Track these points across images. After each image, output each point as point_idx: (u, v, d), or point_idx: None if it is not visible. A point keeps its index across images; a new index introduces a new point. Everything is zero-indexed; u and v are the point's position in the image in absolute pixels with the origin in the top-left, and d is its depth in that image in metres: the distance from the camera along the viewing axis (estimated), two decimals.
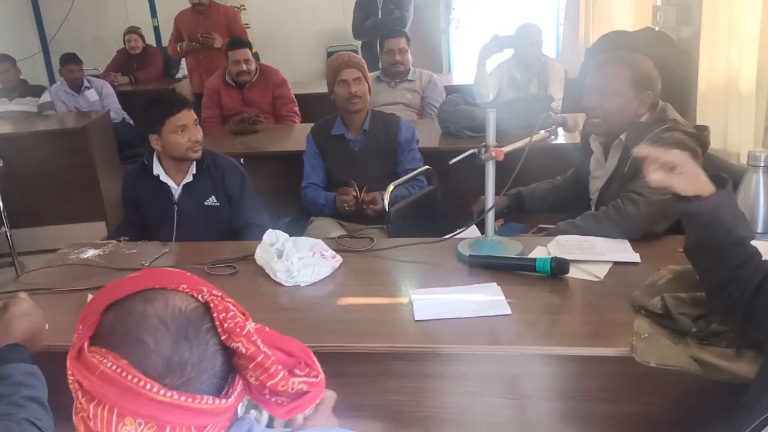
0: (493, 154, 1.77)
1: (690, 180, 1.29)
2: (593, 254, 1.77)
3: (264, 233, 1.95)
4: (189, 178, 2.41)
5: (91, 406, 0.74)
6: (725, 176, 1.31)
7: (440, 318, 1.54)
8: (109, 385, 0.72)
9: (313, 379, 0.82)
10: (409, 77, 3.90)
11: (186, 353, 0.75)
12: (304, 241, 1.92)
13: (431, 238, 2.01)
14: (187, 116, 2.30)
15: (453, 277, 1.77)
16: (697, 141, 1.89)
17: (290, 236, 1.94)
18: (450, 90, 3.98)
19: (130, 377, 0.72)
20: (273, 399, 0.81)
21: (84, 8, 6.78)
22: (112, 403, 0.73)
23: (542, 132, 1.95)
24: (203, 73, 4.81)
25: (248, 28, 6.21)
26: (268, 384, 0.79)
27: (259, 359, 0.78)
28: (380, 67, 4.02)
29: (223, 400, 0.77)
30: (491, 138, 1.81)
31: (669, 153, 1.31)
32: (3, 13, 6.38)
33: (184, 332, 0.76)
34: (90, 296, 1.71)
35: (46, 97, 5.17)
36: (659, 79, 1.99)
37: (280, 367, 0.79)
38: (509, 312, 1.54)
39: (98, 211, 4.24)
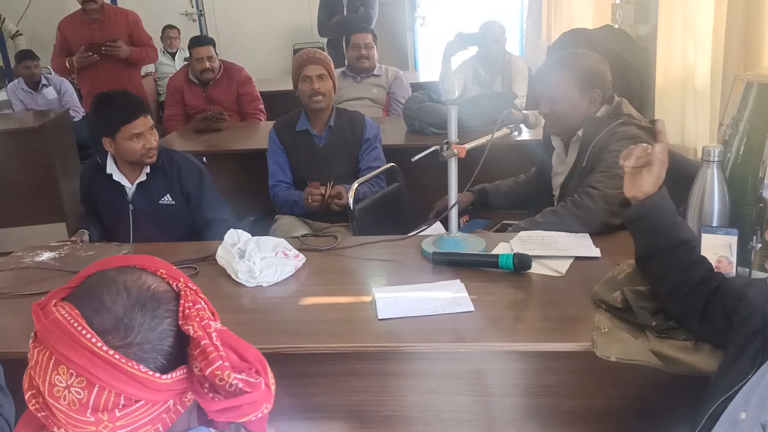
0: (456, 150, 1.77)
1: (647, 183, 1.38)
2: (555, 250, 1.78)
3: (227, 228, 1.92)
4: (143, 177, 2.37)
5: (36, 351, 0.75)
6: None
7: (403, 316, 1.53)
8: (56, 329, 0.73)
9: (252, 379, 0.79)
10: (375, 72, 3.89)
11: (137, 319, 0.76)
12: (267, 241, 1.89)
13: (395, 236, 2.00)
14: (143, 123, 2.26)
15: (417, 274, 1.76)
16: (651, 135, 1.92)
17: (254, 236, 1.91)
18: (415, 87, 3.99)
19: (75, 324, 0.73)
20: (210, 395, 0.78)
21: (43, 4, 6.61)
22: (53, 348, 0.73)
23: (504, 129, 1.95)
24: None
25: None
26: (207, 372, 0.77)
27: (202, 344, 0.77)
28: (346, 63, 4.00)
29: (158, 374, 0.76)
30: (453, 135, 1.81)
31: (662, 148, 1.39)
32: None
33: (143, 303, 0.77)
34: None
35: (2, 96, 5.03)
36: (607, 72, 2.02)
37: (219, 356, 0.77)
38: (472, 309, 1.54)
39: (57, 212, 4.16)
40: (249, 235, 1.91)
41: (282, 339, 1.48)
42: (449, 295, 1.60)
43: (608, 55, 2.14)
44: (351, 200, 2.42)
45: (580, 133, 2.01)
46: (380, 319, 1.54)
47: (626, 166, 1.41)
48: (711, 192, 1.53)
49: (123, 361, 0.73)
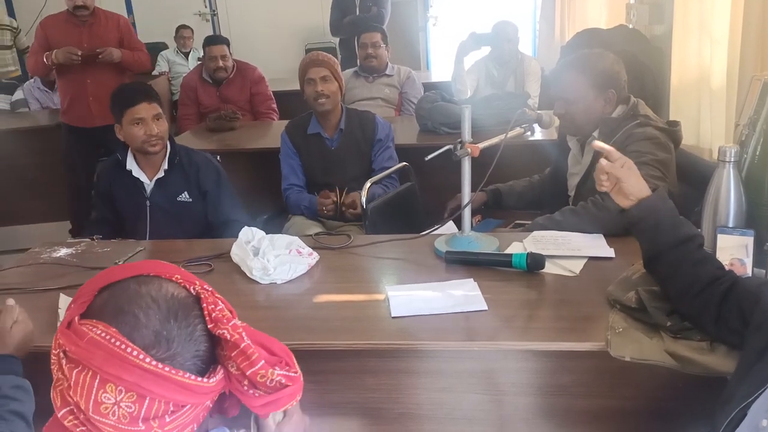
0: (469, 150, 1.77)
1: (632, 189, 1.40)
2: (569, 249, 1.78)
3: (241, 229, 1.93)
4: (161, 174, 2.39)
5: (74, 373, 0.75)
6: (656, 183, 1.44)
7: (417, 314, 1.53)
8: (96, 350, 0.74)
9: (293, 374, 0.84)
10: (387, 72, 3.89)
11: (174, 330, 0.78)
12: (281, 239, 1.90)
13: (408, 235, 2.00)
14: (146, 109, 2.28)
15: (430, 273, 1.77)
16: (668, 136, 1.91)
17: (267, 234, 1.92)
18: (428, 87, 3.99)
19: (118, 343, 0.74)
20: (251, 391, 0.82)
21: (58, 5, 6.65)
22: (96, 368, 0.74)
23: (518, 128, 1.95)
24: (92, 102, 3.73)
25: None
26: (248, 372, 0.81)
27: (242, 346, 0.80)
28: (358, 63, 4.01)
29: (205, 379, 0.79)
30: (467, 134, 1.81)
31: (613, 164, 1.41)
32: None
33: (174, 313, 0.79)
34: (62, 296, 1.68)
35: (19, 95, 5.08)
36: (622, 72, 2.01)
37: (261, 356, 0.81)
38: (485, 308, 1.54)
39: None
40: (263, 232, 1.92)
41: (296, 336, 1.49)
42: (462, 294, 1.61)
43: (622, 55, 2.13)
44: (364, 199, 2.43)
45: (596, 134, 2.00)
46: (393, 317, 1.54)
47: (603, 188, 1.44)
48: (727, 193, 1.53)
49: (173, 372, 0.75)
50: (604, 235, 1.85)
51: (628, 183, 1.40)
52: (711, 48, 2.36)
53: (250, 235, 1.91)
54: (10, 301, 1.39)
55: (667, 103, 2.80)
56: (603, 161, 1.41)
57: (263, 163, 3.23)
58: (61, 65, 3.68)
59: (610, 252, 1.77)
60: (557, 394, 1.53)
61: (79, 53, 3.61)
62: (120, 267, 0.84)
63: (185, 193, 2.41)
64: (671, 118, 2.42)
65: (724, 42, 2.31)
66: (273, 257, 1.81)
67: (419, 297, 1.61)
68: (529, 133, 2.74)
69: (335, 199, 2.61)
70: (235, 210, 2.45)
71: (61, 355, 0.77)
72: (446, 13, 6.74)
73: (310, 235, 2.09)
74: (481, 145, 1.79)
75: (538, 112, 2.03)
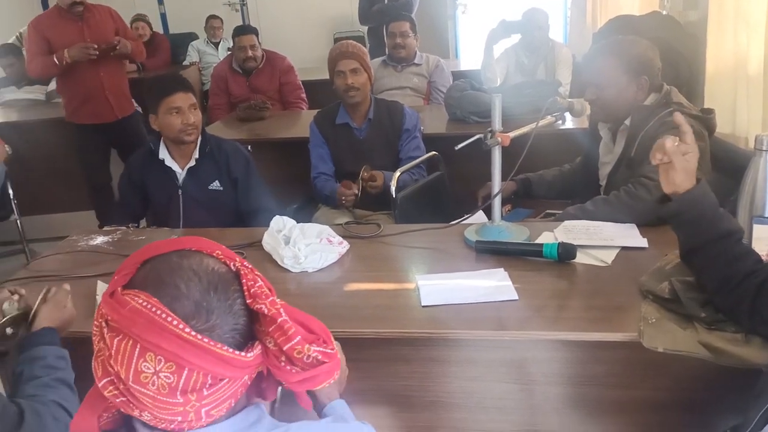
0: (499, 139, 1.76)
1: (679, 180, 1.36)
2: (600, 239, 1.77)
3: (272, 218, 1.95)
4: (192, 162, 2.43)
5: (115, 341, 0.76)
6: (698, 176, 1.39)
7: (447, 303, 1.54)
8: (138, 317, 0.75)
9: (329, 351, 0.84)
10: (415, 61, 3.88)
11: (214, 302, 0.79)
12: (311, 228, 1.92)
13: (438, 224, 2.00)
14: (183, 98, 2.32)
15: (460, 262, 1.77)
16: (702, 124, 1.88)
17: (298, 223, 1.95)
18: (457, 75, 3.97)
19: (159, 312, 0.75)
20: (288, 367, 0.83)
21: None
22: (137, 336, 0.75)
23: (549, 117, 1.93)
24: (109, 96, 3.72)
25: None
26: (285, 347, 0.81)
27: (279, 321, 0.81)
28: (387, 52, 4.00)
29: (243, 353, 0.80)
30: (497, 123, 1.81)
31: (677, 148, 1.36)
32: (10, 1, 6.37)
33: (214, 285, 0.80)
34: (100, 283, 1.73)
35: (53, 85, 5.17)
36: (656, 59, 1.97)
37: (298, 331, 0.82)
38: (516, 297, 1.55)
39: None
40: (294, 221, 1.95)
41: (328, 323, 1.47)
42: (493, 284, 1.61)
43: (656, 42, 2.09)
44: (393, 188, 2.43)
45: (627, 122, 1.97)
46: (424, 306, 1.55)
47: (654, 160, 1.38)
48: (763, 181, 1.50)
49: (211, 343, 0.76)
50: (637, 225, 1.83)
51: (679, 173, 1.35)
52: (747, 34, 2.31)
53: (281, 224, 1.93)
54: (66, 286, 1.45)
55: (701, 90, 2.75)
56: (668, 140, 1.36)
57: (293, 152, 3.25)
58: (69, 64, 3.53)
59: (643, 242, 1.75)
60: (588, 384, 1.52)
61: (96, 47, 3.53)
62: (163, 242, 0.85)
63: (216, 181, 2.45)
64: (706, 106, 2.37)
65: (761, 28, 2.25)
66: (304, 246, 1.83)
67: (449, 286, 1.62)
68: (560, 121, 2.73)
69: (356, 191, 2.61)
70: (264, 198, 2.48)
71: (103, 324, 0.78)
72: (475, 1, 6.68)
73: (340, 225, 2.11)
74: (512, 135, 1.78)
75: (570, 100, 2.00)
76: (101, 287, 1.70)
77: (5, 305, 1.40)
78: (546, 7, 3.91)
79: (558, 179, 2.33)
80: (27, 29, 3.67)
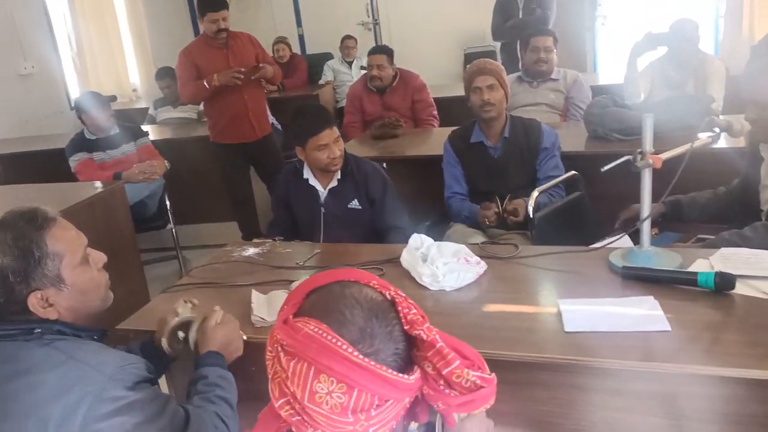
0: (651, 161, 1.68)
1: None
2: (763, 270, 1.64)
3: (404, 236, 2.00)
4: (334, 183, 2.54)
5: (292, 364, 0.83)
6: None
7: (592, 330, 1.50)
8: (311, 342, 0.82)
9: (487, 376, 0.87)
10: (552, 77, 3.79)
11: (376, 328, 0.84)
12: (448, 246, 1.94)
13: (580, 247, 1.95)
14: (329, 135, 2.43)
15: (604, 288, 1.71)
16: None
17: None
18: (596, 90, 3.83)
19: (329, 337, 0.81)
20: (447, 390, 0.86)
21: (236, 20, 7.21)
22: (311, 359, 0.81)
23: (704, 136, 1.82)
24: (252, 118, 3.99)
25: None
26: (444, 372, 0.85)
27: (437, 346, 0.85)
28: (521, 67, 3.95)
29: (406, 375, 0.84)
30: (648, 144, 1.73)
31: None
32: (164, 26, 6.98)
33: (375, 312, 0.85)
34: (254, 292, 1.85)
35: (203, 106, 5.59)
36: None
37: (456, 356, 0.85)
38: (669, 328, 1.47)
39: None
40: (431, 240, 1.97)
41: (467, 343, 1.51)
42: (642, 312, 1.54)
43: None
44: (531, 208, 2.40)
45: None
46: (567, 332, 1.52)
47: None
48: None
49: (378, 366, 0.81)
50: None
51: None
52: None
53: (419, 242, 1.97)
54: (217, 307, 1.56)
55: None
56: None
57: (425, 169, 3.29)
58: (217, 87, 3.80)
59: None
60: (746, 423, 1.41)
61: (243, 71, 3.78)
62: (323, 273, 0.91)
63: (355, 200, 2.55)
64: None
65: None
66: (441, 264, 1.85)
67: (594, 312, 1.57)
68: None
69: (497, 210, 2.60)
70: (396, 217, 2.55)
71: (279, 348, 0.85)
72: (616, 12, 6.41)
73: (476, 244, 2.11)
74: (664, 156, 1.70)
75: (727, 119, 1.88)
76: (255, 296, 1.82)
77: (180, 308, 1.54)
78: (694, 16, 3.68)
79: (712, 202, 2.18)
80: (178, 57, 3.98)
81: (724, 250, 1.76)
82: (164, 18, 7.07)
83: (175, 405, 1.31)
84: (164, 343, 1.52)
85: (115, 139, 3.96)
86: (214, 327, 1.50)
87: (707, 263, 1.72)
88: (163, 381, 1.62)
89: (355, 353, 0.81)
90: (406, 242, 1.98)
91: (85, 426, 1.17)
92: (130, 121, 4.67)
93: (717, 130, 1.92)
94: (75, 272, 1.30)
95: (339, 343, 0.81)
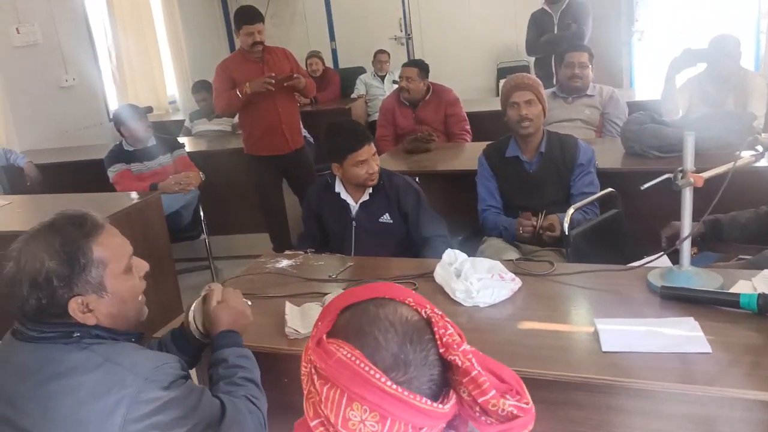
0: (692, 179, 1.65)
1: None
2: None
3: (447, 244, 1.98)
4: (366, 197, 2.55)
5: (325, 389, 0.82)
6: None
7: (630, 351, 1.47)
8: (344, 370, 0.80)
9: (524, 405, 0.84)
10: (588, 92, 3.75)
11: (410, 354, 0.82)
12: (482, 262, 1.93)
13: (617, 266, 1.92)
14: (367, 151, 2.45)
15: (642, 308, 1.68)
16: None
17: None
18: (632, 106, 3.78)
19: (362, 365, 0.80)
20: (483, 418, 0.84)
21: (271, 35, 7.32)
22: (344, 386, 0.80)
23: (747, 155, 1.78)
24: (285, 130, 4.02)
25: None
26: (480, 400, 0.82)
27: (473, 374, 0.83)
28: (555, 82, 3.92)
29: (439, 405, 0.82)
30: (690, 162, 1.69)
31: None
32: (201, 41, 7.12)
33: (410, 336, 0.83)
34: (288, 303, 1.86)
35: (237, 118, 5.67)
36: None
37: (492, 385, 0.83)
38: (709, 350, 1.44)
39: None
40: (465, 255, 1.96)
41: (500, 360, 1.48)
42: (682, 333, 1.51)
43: None
44: (566, 225, 2.37)
45: None
46: (604, 351, 1.49)
47: None
48: None
49: (411, 396, 0.80)
50: None
51: None
52: None
53: (453, 258, 1.96)
54: (214, 285, 1.57)
55: None
56: None
57: (457, 184, 3.28)
58: (249, 100, 3.83)
59: None
60: None
61: (274, 75, 3.79)
62: (359, 289, 0.89)
63: (387, 214, 2.55)
64: None
65: None
66: (476, 280, 1.83)
67: (632, 333, 1.54)
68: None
69: (535, 223, 2.58)
70: (435, 226, 2.54)
71: (312, 370, 0.85)
72: (654, 28, 6.33)
73: (511, 260, 2.09)
74: (706, 175, 1.67)
75: None
76: (289, 308, 1.83)
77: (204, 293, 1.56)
78: (734, 32, 3.62)
79: (753, 222, 2.13)
80: (215, 70, 4.06)
81: (767, 272, 1.71)
82: (201, 33, 7.22)
83: (210, 396, 1.33)
84: (193, 326, 1.53)
85: (153, 150, 4.04)
86: (217, 306, 1.51)
87: (750, 284, 1.68)
88: (193, 372, 1.63)
89: (389, 383, 0.79)
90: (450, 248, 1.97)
91: (123, 427, 1.19)
92: (167, 132, 4.75)
93: (760, 148, 1.87)
94: (118, 280, 1.32)
95: (372, 372, 0.79)
